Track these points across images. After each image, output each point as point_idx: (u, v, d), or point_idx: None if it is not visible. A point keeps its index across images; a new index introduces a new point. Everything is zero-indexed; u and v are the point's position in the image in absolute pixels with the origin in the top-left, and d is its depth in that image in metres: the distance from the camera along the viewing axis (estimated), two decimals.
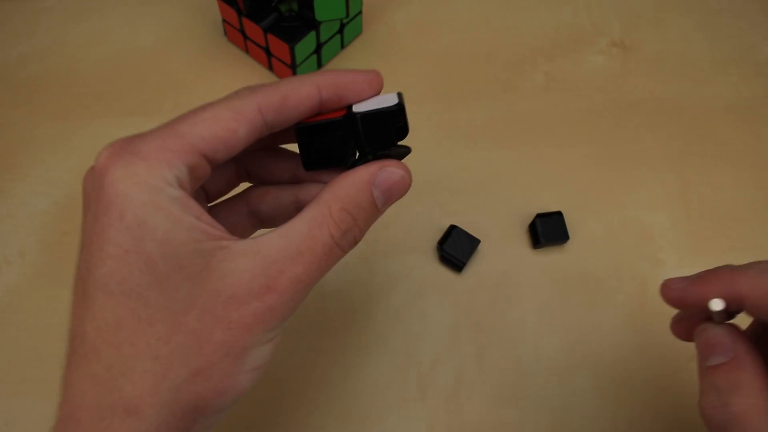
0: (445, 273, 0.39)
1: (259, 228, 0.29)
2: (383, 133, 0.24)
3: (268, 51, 0.44)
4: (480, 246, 0.39)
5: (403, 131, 0.24)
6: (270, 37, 0.43)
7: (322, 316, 0.37)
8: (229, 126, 0.22)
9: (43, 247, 0.39)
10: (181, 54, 0.47)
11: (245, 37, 0.45)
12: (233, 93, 0.24)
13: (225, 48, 0.48)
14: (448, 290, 0.38)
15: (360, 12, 0.47)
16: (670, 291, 0.25)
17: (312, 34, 0.43)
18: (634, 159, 0.43)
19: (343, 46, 0.47)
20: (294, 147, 0.28)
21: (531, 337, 0.37)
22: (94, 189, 0.22)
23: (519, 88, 0.46)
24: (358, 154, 0.25)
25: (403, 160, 0.25)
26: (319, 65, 0.46)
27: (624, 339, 0.37)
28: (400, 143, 0.25)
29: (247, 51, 0.47)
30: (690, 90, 0.46)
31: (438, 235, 0.40)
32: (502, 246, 0.40)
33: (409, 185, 0.25)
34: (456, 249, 0.38)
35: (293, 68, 0.44)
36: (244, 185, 0.29)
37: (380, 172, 0.24)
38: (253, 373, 0.22)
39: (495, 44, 0.48)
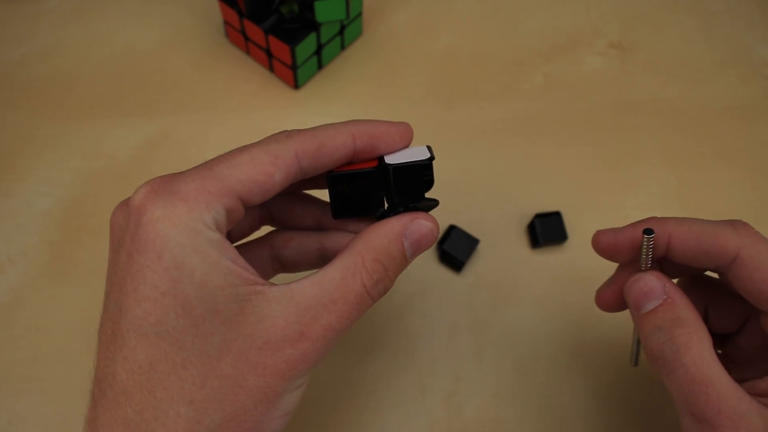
0: (444, 272, 0.39)
1: (279, 272, 0.30)
2: (414, 185, 0.25)
3: (269, 52, 0.45)
4: (479, 246, 0.40)
5: (430, 183, 0.25)
6: (271, 38, 0.43)
7: None
8: (267, 170, 0.22)
9: (45, 246, 0.40)
10: (182, 55, 0.48)
11: (246, 38, 0.46)
12: (270, 136, 0.24)
13: (226, 49, 0.48)
14: (448, 289, 0.39)
15: (360, 13, 0.47)
16: (603, 237, 0.27)
17: (312, 36, 0.43)
18: (632, 159, 0.43)
19: (343, 48, 0.48)
20: (319, 193, 0.28)
21: (530, 336, 0.37)
22: (129, 226, 0.21)
23: (518, 89, 0.46)
24: (386, 205, 0.26)
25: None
26: (320, 66, 0.46)
27: (622, 338, 0.37)
28: (426, 195, 0.26)
29: (248, 52, 0.47)
30: (688, 91, 0.47)
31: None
32: (501, 246, 0.40)
33: (437, 237, 0.25)
34: (455, 248, 0.38)
35: (294, 69, 0.44)
36: (264, 229, 0.30)
37: (411, 224, 0.24)
38: (284, 419, 0.22)
39: (494, 45, 0.49)
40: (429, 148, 0.26)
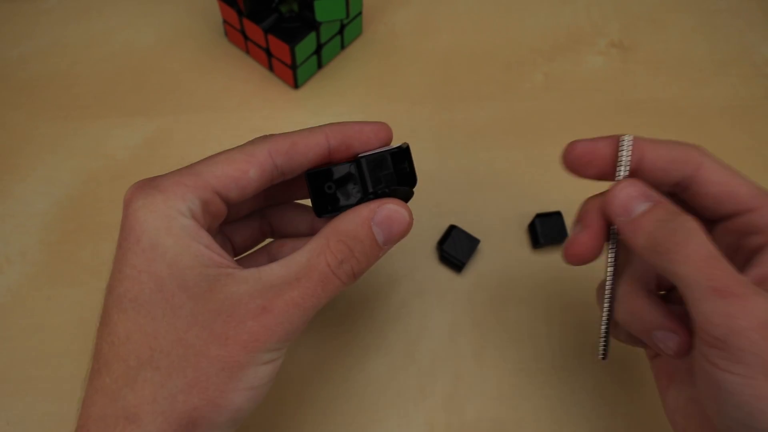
0: (444, 273, 0.39)
1: None
2: (386, 175, 0.26)
3: (268, 51, 0.45)
4: (479, 246, 0.39)
5: (410, 177, 0.26)
6: (270, 37, 0.43)
7: (322, 315, 0.37)
8: (241, 167, 0.24)
9: (44, 246, 0.39)
10: (181, 55, 0.48)
11: (246, 37, 0.45)
12: (249, 141, 0.26)
13: (225, 49, 0.48)
14: (448, 290, 0.38)
15: (360, 13, 0.47)
16: (580, 144, 0.26)
17: (312, 35, 0.43)
18: None
19: (343, 47, 0.48)
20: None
21: (530, 336, 0.37)
22: (121, 221, 0.24)
23: (518, 88, 0.46)
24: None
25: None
26: (320, 66, 0.46)
27: None
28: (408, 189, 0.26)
29: (247, 52, 0.47)
30: (689, 90, 0.47)
31: (438, 235, 0.40)
32: (502, 246, 0.40)
33: (410, 223, 0.26)
34: (456, 249, 0.38)
35: (293, 69, 0.44)
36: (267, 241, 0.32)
37: (379, 209, 0.25)
38: (250, 392, 0.23)
39: (494, 45, 0.49)
40: (406, 143, 0.26)
